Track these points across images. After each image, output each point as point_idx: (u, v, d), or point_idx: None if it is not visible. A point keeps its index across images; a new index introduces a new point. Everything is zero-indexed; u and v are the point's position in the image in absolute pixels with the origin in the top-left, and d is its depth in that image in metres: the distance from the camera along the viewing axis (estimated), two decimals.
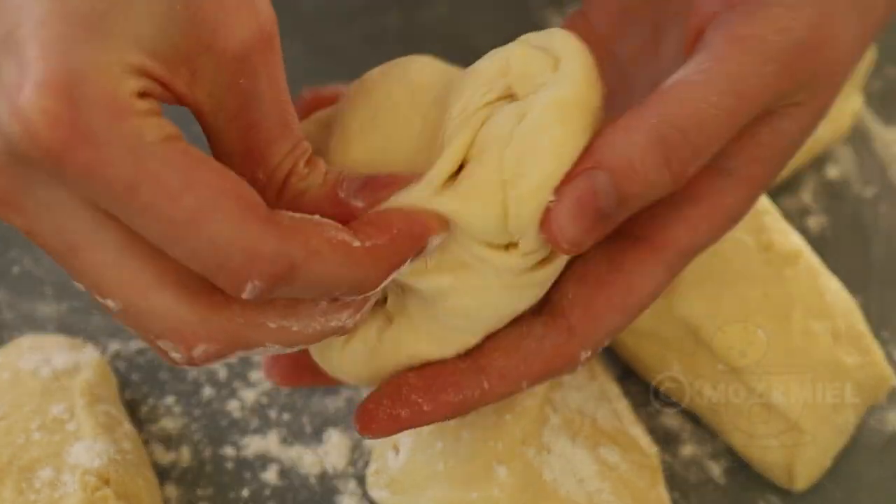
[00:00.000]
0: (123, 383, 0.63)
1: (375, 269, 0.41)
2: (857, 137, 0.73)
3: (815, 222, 0.70)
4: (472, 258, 0.44)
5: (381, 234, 0.42)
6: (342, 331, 0.44)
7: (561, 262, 0.45)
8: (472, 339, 0.47)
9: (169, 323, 0.40)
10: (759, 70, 0.43)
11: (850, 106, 0.71)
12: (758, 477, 0.61)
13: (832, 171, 0.72)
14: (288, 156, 0.42)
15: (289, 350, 0.43)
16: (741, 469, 0.61)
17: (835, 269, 0.63)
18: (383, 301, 0.48)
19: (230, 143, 0.41)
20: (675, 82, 0.43)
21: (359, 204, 0.43)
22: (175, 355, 0.41)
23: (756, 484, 0.61)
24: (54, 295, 0.66)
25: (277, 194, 0.42)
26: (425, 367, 0.47)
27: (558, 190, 0.42)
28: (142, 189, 0.36)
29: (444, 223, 0.43)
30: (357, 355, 0.48)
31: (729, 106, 0.43)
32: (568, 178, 0.42)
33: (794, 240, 0.60)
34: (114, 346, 0.64)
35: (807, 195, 0.71)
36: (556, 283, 0.47)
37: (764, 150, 0.46)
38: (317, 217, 0.41)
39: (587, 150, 0.43)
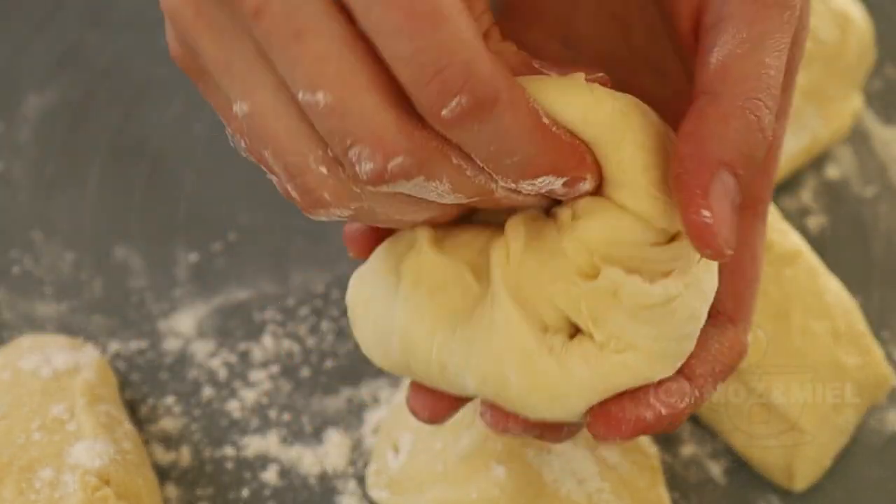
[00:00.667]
0: (123, 383, 0.63)
1: (547, 155, 0.42)
2: (857, 137, 0.73)
3: (814, 222, 0.70)
4: (667, 259, 0.44)
5: (561, 135, 0.43)
6: (494, 195, 0.43)
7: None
8: (692, 346, 0.46)
9: (374, 126, 0.39)
10: (782, 19, 0.45)
11: (850, 106, 0.71)
12: (758, 477, 0.61)
13: (832, 171, 0.72)
14: (484, 13, 0.43)
15: (448, 200, 0.42)
16: (741, 469, 0.61)
17: (835, 269, 0.63)
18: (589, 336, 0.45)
19: None
20: (727, 60, 0.44)
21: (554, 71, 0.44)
22: (367, 165, 0.40)
23: (756, 484, 0.61)
24: (54, 295, 0.66)
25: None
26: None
27: (707, 204, 0.42)
28: None
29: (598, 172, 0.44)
30: (578, 381, 0.45)
31: (777, 62, 0.44)
32: (701, 189, 0.43)
33: (793, 240, 0.60)
34: (114, 346, 0.64)
35: (807, 195, 0.71)
36: None
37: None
38: (522, 86, 0.41)
39: (696, 157, 0.43)
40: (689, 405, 0.47)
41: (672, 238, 0.45)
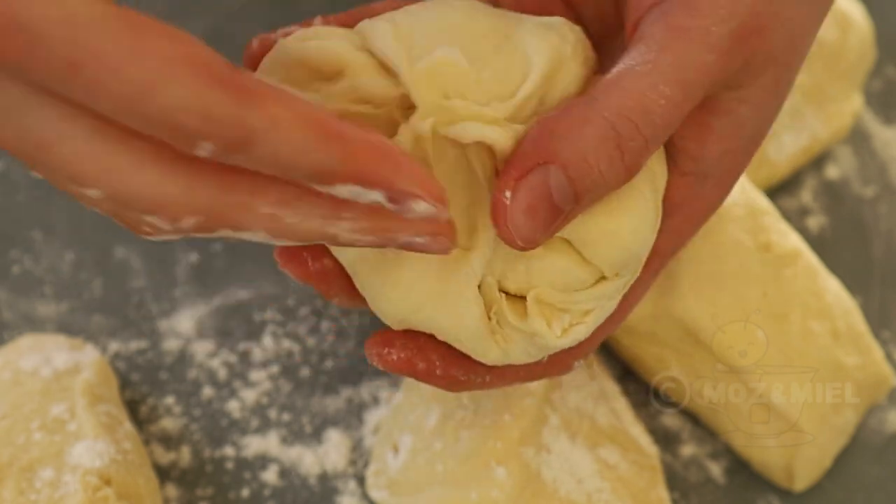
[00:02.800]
0: (123, 383, 0.63)
1: (344, 160, 0.38)
2: (857, 137, 0.73)
3: (814, 222, 0.70)
4: (592, 300, 0.46)
5: (362, 134, 0.39)
6: (334, 240, 0.41)
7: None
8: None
9: (155, 199, 0.38)
10: (701, 59, 0.43)
11: (850, 106, 0.71)
12: (758, 477, 0.61)
13: (832, 172, 0.72)
14: None
15: (277, 242, 0.41)
16: (741, 469, 0.61)
17: (834, 269, 0.63)
18: None
19: None
20: (622, 73, 0.43)
21: None
22: (163, 226, 0.39)
23: (756, 484, 0.61)
24: (54, 295, 0.66)
25: None
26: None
27: (511, 185, 0.42)
28: (85, 67, 0.35)
29: (442, 196, 0.40)
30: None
31: (675, 95, 0.43)
32: (518, 171, 0.42)
33: (793, 240, 0.60)
34: (114, 346, 0.64)
35: (807, 195, 0.71)
36: None
37: (730, 142, 0.46)
38: (288, 87, 0.39)
39: (536, 143, 0.42)
40: (473, 383, 0.48)
41: (601, 278, 0.46)
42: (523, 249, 0.43)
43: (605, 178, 0.42)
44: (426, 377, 0.47)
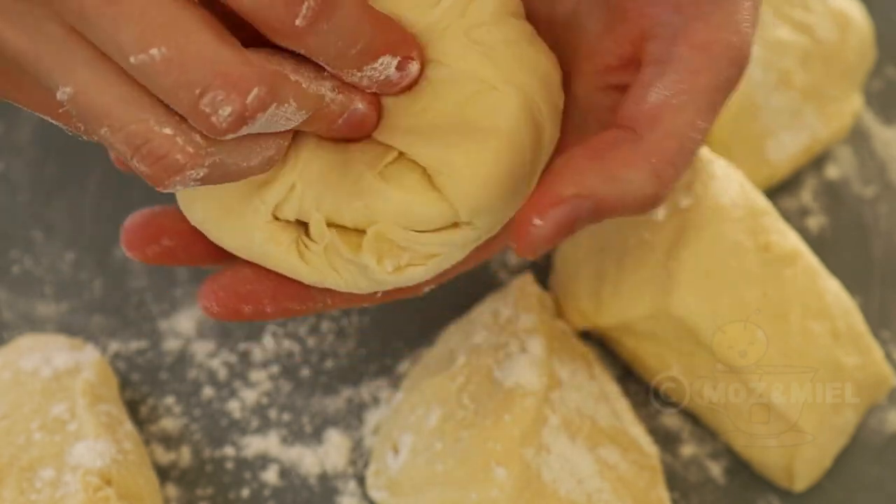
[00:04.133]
0: (123, 383, 0.63)
1: (383, 35, 0.43)
2: (857, 137, 0.73)
3: (814, 222, 0.70)
4: (437, 244, 0.47)
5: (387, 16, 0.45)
6: (329, 106, 0.44)
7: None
8: None
9: (220, 66, 0.38)
10: (727, 75, 0.45)
11: (850, 106, 0.71)
12: (758, 477, 0.61)
13: (832, 172, 0.72)
14: None
15: (297, 115, 0.42)
16: (741, 469, 0.61)
17: (834, 269, 0.63)
18: None
19: None
20: (661, 106, 0.45)
21: None
22: (225, 110, 0.39)
23: (756, 484, 0.61)
24: (54, 295, 0.66)
25: None
26: (273, 274, 0.49)
27: (545, 212, 0.44)
28: None
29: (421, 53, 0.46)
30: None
31: (708, 124, 0.45)
32: (552, 199, 0.44)
33: (792, 240, 0.60)
34: (114, 346, 0.64)
35: (806, 195, 0.71)
36: None
37: (700, 61, 0.46)
38: None
39: (575, 172, 0.44)
40: (314, 308, 0.50)
41: (453, 224, 0.47)
42: (526, 256, 0.44)
43: (640, 206, 0.45)
44: (259, 317, 0.49)
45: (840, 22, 0.70)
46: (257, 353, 0.64)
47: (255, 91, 0.39)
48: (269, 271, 0.49)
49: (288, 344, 0.64)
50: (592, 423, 0.58)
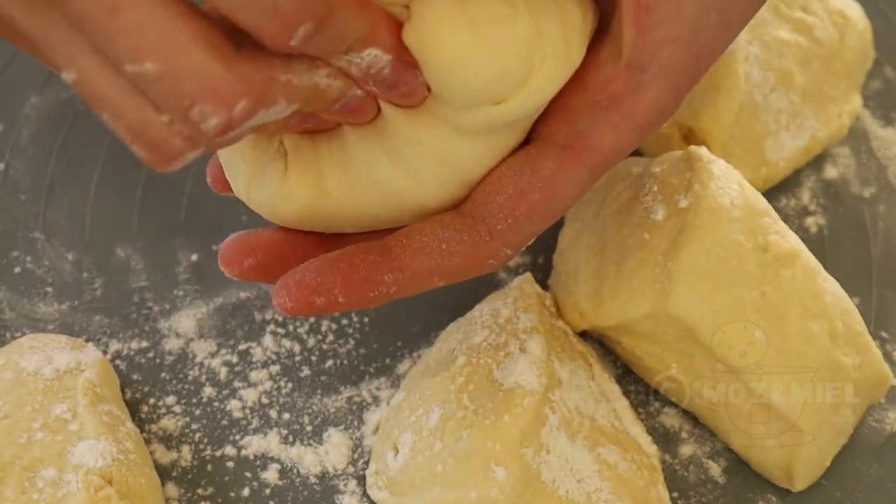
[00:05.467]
0: (124, 383, 0.63)
1: (371, 25, 0.43)
2: (856, 138, 0.73)
3: (813, 223, 0.70)
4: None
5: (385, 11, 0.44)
6: (325, 93, 0.44)
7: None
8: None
9: (209, 81, 0.39)
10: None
11: (848, 106, 0.71)
12: (757, 476, 0.61)
13: (831, 172, 0.72)
14: None
15: (289, 109, 0.43)
16: (741, 469, 0.61)
17: (833, 269, 0.63)
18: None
19: None
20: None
21: None
22: (212, 121, 0.40)
23: (756, 484, 0.61)
24: (55, 295, 0.66)
25: None
26: (343, 258, 0.49)
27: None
28: None
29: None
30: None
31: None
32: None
33: (791, 241, 0.60)
34: (114, 345, 0.64)
35: (805, 195, 0.71)
36: (478, 190, 0.48)
37: (668, 30, 0.46)
38: None
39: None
40: (391, 294, 0.49)
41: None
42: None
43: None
44: (332, 307, 0.49)
45: (839, 22, 0.70)
46: (257, 353, 0.64)
47: (241, 104, 0.40)
48: (338, 258, 0.49)
49: (288, 344, 0.64)
50: (592, 422, 0.58)
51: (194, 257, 0.67)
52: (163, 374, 0.63)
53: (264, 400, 0.62)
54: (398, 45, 0.44)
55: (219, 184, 0.54)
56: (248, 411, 0.62)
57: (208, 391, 0.63)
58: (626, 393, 0.62)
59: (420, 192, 0.49)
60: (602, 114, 0.47)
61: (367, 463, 0.60)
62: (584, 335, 0.63)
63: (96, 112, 0.41)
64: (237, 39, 0.41)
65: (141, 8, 0.38)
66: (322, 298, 0.49)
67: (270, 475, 0.60)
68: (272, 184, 0.49)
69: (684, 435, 0.62)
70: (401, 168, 0.48)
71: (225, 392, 0.63)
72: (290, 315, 0.50)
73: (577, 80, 0.47)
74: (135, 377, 0.63)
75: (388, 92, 0.45)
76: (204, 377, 0.63)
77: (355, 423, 0.62)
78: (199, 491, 0.59)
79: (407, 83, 0.45)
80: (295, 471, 0.60)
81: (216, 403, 0.62)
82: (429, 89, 0.46)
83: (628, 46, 0.46)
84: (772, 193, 0.68)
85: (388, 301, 0.49)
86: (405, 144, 0.47)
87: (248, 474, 0.60)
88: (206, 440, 0.61)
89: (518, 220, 0.48)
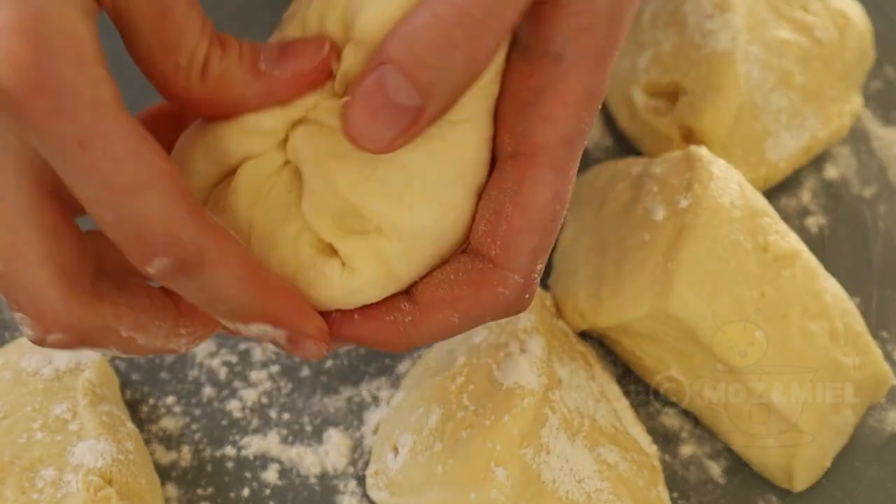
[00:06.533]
0: (124, 383, 0.63)
1: (260, 303, 0.43)
2: (856, 138, 0.73)
3: (813, 222, 0.70)
4: None
5: (283, 283, 0.45)
6: (173, 352, 0.46)
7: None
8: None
9: (38, 302, 0.40)
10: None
11: (849, 106, 0.71)
12: (757, 476, 0.61)
13: (831, 172, 0.72)
14: (201, 37, 0.43)
15: (122, 356, 0.45)
16: (741, 469, 0.61)
17: (834, 269, 0.63)
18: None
19: (147, 36, 0.42)
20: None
21: (280, 74, 0.44)
22: (27, 332, 0.42)
23: (756, 484, 0.61)
24: None
25: (201, 78, 0.43)
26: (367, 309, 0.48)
27: (349, 90, 0.43)
28: (93, 148, 0.37)
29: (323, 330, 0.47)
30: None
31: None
32: (359, 78, 0.43)
33: (791, 241, 0.60)
34: None
35: (806, 195, 0.71)
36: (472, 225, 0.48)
37: (582, 18, 0.45)
38: (235, 238, 0.43)
39: (377, 50, 0.43)
40: (407, 326, 0.47)
41: None
42: (378, 152, 0.43)
43: (446, 69, 0.42)
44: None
45: (840, 22, 0.70)
46: (257, 353, 0.64)
47: (57, 335, 0.41)
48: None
49: None
50: (592, 422, 0.58)
51: None
52: (162, 374, 0.63)
53: (264, 400, 0.62)
54: (292, 320, 0.44)
55: None
56: (247, 411, 0.62)
57: (208, 391, 0.63)
58: (627, 393, 0.62)
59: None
60: (532, 110, 0.46)
61: (367, 463, 0.60)
62: (584, 335, 0.63)
63: None
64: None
65: (14, 209, 0.39)
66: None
67: (270, 475, 0.60)
68: (334, 286, 0.47)
69: (684, 435, 0.62)
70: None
71: (225, 392, 0.63)
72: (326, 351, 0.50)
73: (502, 91, 0.47)
74: (135, 377, 0.63)
75: (286, 351, 0.46)
76: (204, 377, 0.63)
77: (355, 423, 0.62)
78: (199, 491, 0.60)
79: (305, 352, 0.45)
80: (295, 471, 0.60)
81: (216, 403, 0.62)
82: None
83: (542, 39, 0.45)
84: (772, 193, 0.68)
85: (407, 342, 0.48)
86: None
87: (248, 474, 0.60)
88: (205, 440, 0.61)
89: (507, 241, 0.47)
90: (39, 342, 0.42)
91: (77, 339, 0.42)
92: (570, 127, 0.46)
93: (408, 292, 0.48)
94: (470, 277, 0.47)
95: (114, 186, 0.38)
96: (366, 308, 0.47)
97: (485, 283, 0.47)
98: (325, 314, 0.47)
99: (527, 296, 0.48)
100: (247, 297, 0.42)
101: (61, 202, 0.41)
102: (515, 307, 0.48)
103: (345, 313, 0.47)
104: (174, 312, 0.44)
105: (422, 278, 0.48)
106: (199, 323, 0.45)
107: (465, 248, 0.48)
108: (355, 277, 0.46)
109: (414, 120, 0.42)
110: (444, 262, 0.48)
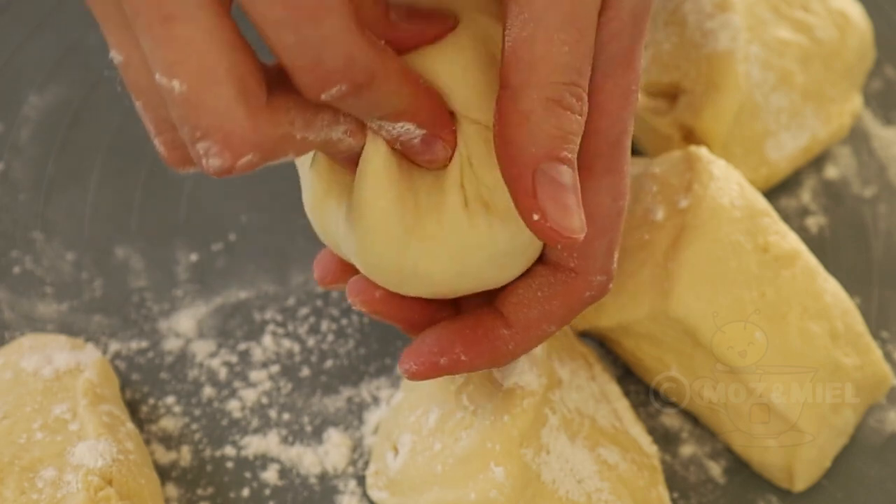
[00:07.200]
0: (124, 383, 0.63)
1: (413, 108, 0.44)
2: (857, 138, 0.73)
3: (814, 223, 0.70)
4: None
5: (427, 87, 0.45)
6: (336, 145, 0.45)
7: None
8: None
9: (225, 122, 0.40)
10: None
11: (849, 106, 0.71)
12: (758, 477, 0.61)
13: (831, 172, 0.72)
14: None
15: (293, 158, 0.44)
16: (741, 469, 0.61)
17: (834, 269, 0.63)
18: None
19: None
20: (515, 44, 0.44)
21: (409, 28, 0.45)
22: (214, 161, 0.40)
23: (756, 484, 0.61)
24: (55, 295, 0.66)
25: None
26: (458, 322, 0.51)
27: (534, 206, 0.44)
28: None
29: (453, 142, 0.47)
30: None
31: (572, 35, 0.44)
32: (523, 192, 0.44)
33: (791, 241, 0.60)
34: (114, 346, 0.64)
35: (806, 195, 0.71)
36: None
37: (613, 25, 0.47)
38: (394, 53, 0.43)
39: (510, 149, 0.44)
40: (510, 350, 0.50)
41: None
42: (580, 240, 0.45)
43: (574, 134, 0.45)
44: (456, 368, 0.51)
45: (840, 22, 0.70)
46: (257, 353, 0.64)
47: (247, 157, 0.40)
48: (455, 326, 0.51)
49: (288, 344, 0.64)
50: (592, 422, 0.58)
51: (194, 257, 0.67)
52: (162, 375, 0.63)
53: (264, 400, 0.62)
54: (433, 122, 0.45)
55: (327, 281, 0.55)
56: (247, 411, 0.62)
57: (208, 391, 0.63)
58: (627, 393, 0.62)
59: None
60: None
61: (366, 463, 0.60)
62: (584, 335, 0.63)
63: (131, 95, 0.42)
64: (277, 78, 0.41)
65: (191, 28, 0.39)
66: (445, 358, 0.50)
67: (270, 475, 0.60)
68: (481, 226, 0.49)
69: (684, 435, 0.62)
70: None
71: (225, 392, 0.63)
72: (413, 379, 0.51)
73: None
74: (134, 377, 0.63)
75: (413, 155, 0.46)
76: (204, 377, 0.63)
77: (355, 423, 0.62)
78: (199, 491, 0.59)
79: (434, 152, 0.46)
80: (295, 471, 0.60)
81: (216, 403, 0.62)
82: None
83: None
84: (772, 193, 0.68)
85: (510, 360, 0.51)
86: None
87: (248, 474, 0.60)
88: (205, 440, 0.61)
89: (583, 252, 0.49)
90: (228, 171, 0.40)
91: (263, 156, 0.41)
92: (616, 131, 0.48)
93: (503, 316, 0.50)
94: (556, 290, 0.50)
95: (301, 7, 0.38)
96: (469, 342, 0.50)
97: (571, 291, 0.50)
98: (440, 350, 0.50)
99: (610, 285, 0.51)
100: (403, 104, 0.43)
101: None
102: (600, 297, 0.51)
103: (453, 347, 0.50)
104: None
105: (511, 302, 0.50)
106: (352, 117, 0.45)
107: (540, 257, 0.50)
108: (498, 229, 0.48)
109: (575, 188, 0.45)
110: (525, 275, 0.50)
